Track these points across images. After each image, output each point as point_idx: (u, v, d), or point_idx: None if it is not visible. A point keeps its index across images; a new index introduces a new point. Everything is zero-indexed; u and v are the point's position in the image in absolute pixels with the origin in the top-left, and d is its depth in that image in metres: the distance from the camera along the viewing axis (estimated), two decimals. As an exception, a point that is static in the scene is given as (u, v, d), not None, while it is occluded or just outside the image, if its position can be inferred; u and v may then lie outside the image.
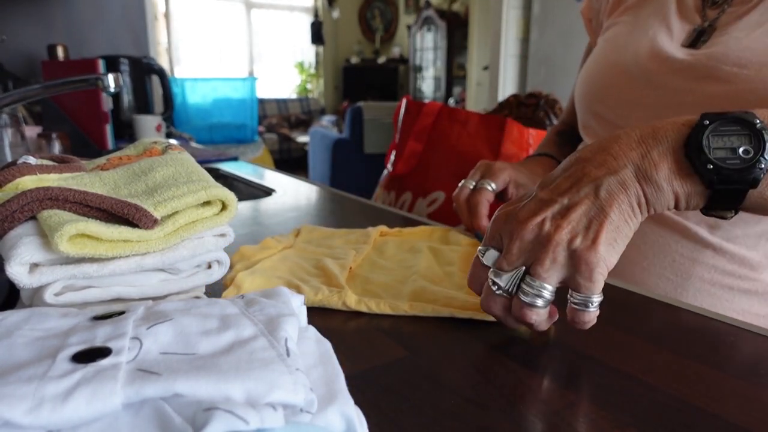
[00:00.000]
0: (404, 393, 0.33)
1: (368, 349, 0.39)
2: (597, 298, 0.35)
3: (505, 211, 0.39)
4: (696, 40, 0.59)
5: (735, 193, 0.36)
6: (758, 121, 0.36)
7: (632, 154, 0.36)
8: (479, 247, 0.40)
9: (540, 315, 0.36)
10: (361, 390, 0.33)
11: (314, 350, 0.29)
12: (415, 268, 0.52)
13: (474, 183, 0.65)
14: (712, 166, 0.35)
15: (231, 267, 0.49)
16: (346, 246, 0.57)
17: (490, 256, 0.38)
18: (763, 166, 0.35)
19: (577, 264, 0.35)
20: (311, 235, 0.61)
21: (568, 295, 0.36)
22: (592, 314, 0.36)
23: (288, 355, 0.24)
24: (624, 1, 0.70)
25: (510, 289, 0.37)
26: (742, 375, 0.35)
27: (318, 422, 0.23)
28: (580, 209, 0.35)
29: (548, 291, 0.36)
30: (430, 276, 0.50)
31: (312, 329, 0.31)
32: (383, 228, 0.63)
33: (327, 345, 0.30)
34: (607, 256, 0.35)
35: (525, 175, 0.68)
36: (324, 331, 0.31)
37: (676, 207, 0.37)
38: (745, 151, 0.35)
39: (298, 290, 0.45)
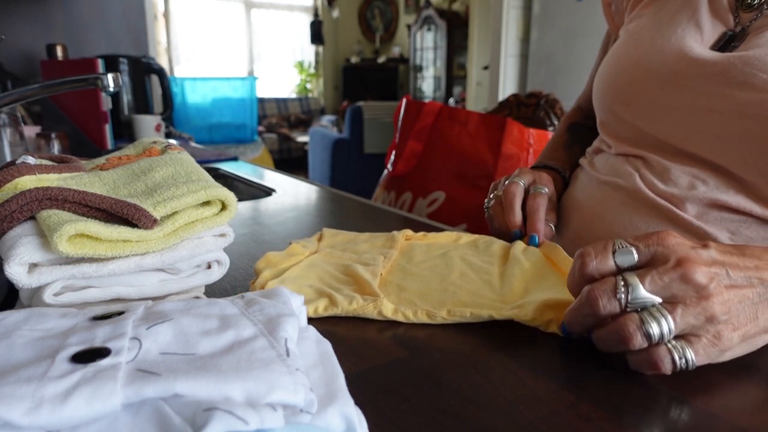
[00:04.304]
0: (404, 393, 0.33)
1: (368, 349, 0.39)
2: (689, 359, 0.34)
3: (680, 240, 0.36)
4: (726, 44, 0.57)
5: None
6: None
7: None
8: (618, 240, 0.37)
9: (638, 343, 0.33)
10: (361, 390, 0.33)
11: (314, 350, 0.29)
12: (450, 277, 0.50)
13: (524, 182, 0.64)
14: None
15: (257, 274, 0.49)
16: (373, 251, 0.55)
17: (626, 258, 0.36)
18: None
19: (708, 329, 0.34)
20: (334, 239, 0.59)
21: (667, 341, 0.34)
22: (669, 368, 0.34)
23: (288, 355, 0.24)
24: None
25: (634, 305, 0.34)
26: (742, 375, 0.35)
27: (318, 422, 0.23)
28: (743, 292, 0.34)
29: (669, 331, 0.33)
30: (467, 285, 0.48)
31: (312, 329, 0.31)
32: (408, 232, 0.61)
33: (327, 345, 0.29)
34: (735, 344, 0.34)
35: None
36: (324, 332, 0.31)
37: None
38: None
39: (331, 299, 0.44)
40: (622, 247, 0.36)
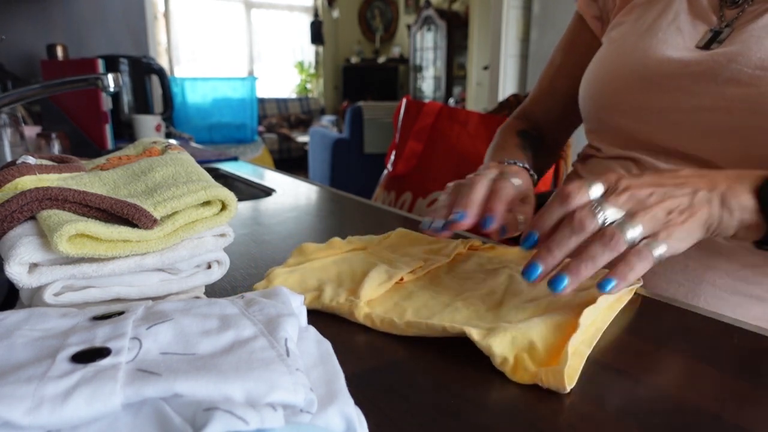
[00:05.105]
0: (404, 393, 0.33)
1: (368, 349, 0.39)
2: (660, 250, 0.40)
3: (622, 174, 0.45)
4: (711, 40, 0.57)
5: None
6: None
7: (722, 185, 0.44)
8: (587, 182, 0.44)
9: (621, 246, 0.40)
10: (361, 390, 0.33)
11: (314, 350, 0.29)
12: (470, 294, 0.46)
13: (491, 175, 0.55)
14: None
15: (284, 262, 0.51)
16: (422, 255, 0.53)
17: (597, 190, 0.44)
18: None
19: (663, 225, 0.41)
20: (401, 239, 0.58)
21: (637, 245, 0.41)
22: (647, 261, 0.40)
23: (288, 355, 0.24)
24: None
25: (611, 220, 0.41)
26: (742, 375, 0.35)
27: (318, 422, 0.23)
28: (678, 200, 0.43)
29: (639, 232, 0.40)
30: (480, 305, 0.44)
31: (312, 329, 0.31)
32: (474, 242, 0.58)
33: (327, 345, 0.30)
34: (681, 239, 0.41)
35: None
36: (324, 331, 0.31)
37: (735, 236, 0.44)
38: None
39: (320, 293, 0.44)
40: (589, 183, 0.44)
